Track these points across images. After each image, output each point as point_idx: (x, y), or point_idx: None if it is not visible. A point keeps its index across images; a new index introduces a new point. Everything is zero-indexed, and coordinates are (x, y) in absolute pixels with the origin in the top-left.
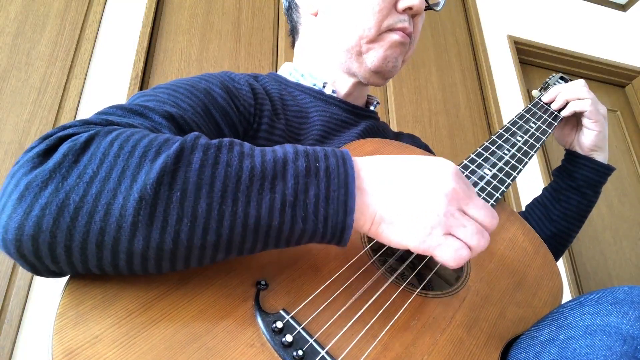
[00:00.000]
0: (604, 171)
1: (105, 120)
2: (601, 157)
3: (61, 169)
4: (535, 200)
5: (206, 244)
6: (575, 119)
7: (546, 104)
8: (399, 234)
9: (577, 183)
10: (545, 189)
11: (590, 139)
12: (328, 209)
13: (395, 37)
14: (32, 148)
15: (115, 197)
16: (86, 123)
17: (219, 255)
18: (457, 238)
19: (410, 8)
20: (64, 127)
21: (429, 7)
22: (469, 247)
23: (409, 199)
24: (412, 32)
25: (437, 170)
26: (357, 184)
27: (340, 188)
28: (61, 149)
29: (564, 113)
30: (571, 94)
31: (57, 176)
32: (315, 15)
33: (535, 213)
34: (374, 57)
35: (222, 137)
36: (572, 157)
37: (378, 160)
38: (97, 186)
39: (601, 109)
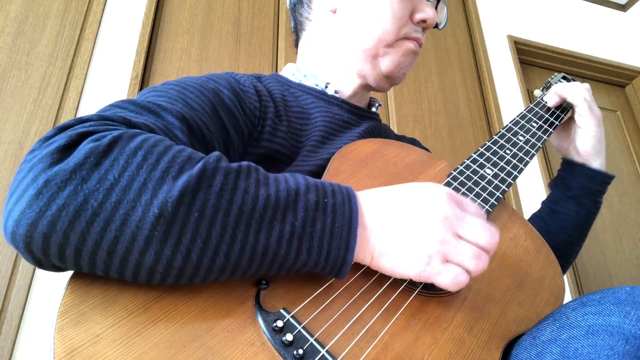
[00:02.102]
0: (601, 179)
1: (121, 118)
2: (597, 163)
3: (82, 171)
4: (534, 214)
5: (214, 266)
6: (573, 124)
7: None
8: (399, 265)
9: (573, 192)
10: (543, 202)
11: (585, 141)
12: (332, 243)
13: (410, 45)
14: (49, 139)
15: (134, 209)
16: (103, 118)
17: (222, 276)
18: (456, 264)
19: (424, 21)
20: (82, 120)
21: (434, 26)
22: (468, 271)
23: (405, 232)
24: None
25: (428, 198)
26: (360, 221)
27: (344, 225)
28: (83, 149)
29: (554, 98)
30: (569, 87)
31: (77, 177)
32: (334, 12)
33: (534, 227)
34: (389, 61)
35: (228, 138)
36: (568, 165)
37: (376, 195)
38: (117, 194)
39: (595, 110)
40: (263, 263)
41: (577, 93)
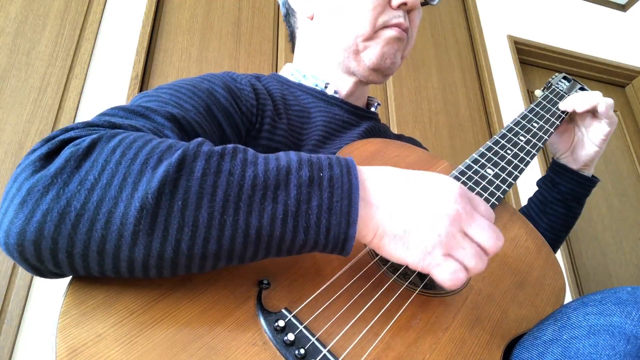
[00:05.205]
0: (589, 185)
1: (107, 122)
2: (589, 172)
3: (63, 175)
4: (521, 211)
5: (207, 253)
6: (576, 130)
7: (549, 103)
8: (400, 249)
9: (563, 196)
10: (531, 200)
11: (589, 155)
12: (330, 219)
13: (391, 33)
14: (34, 150)
15: (117, 205)
16: (89, 125)
17: (220, 264)
18: (456, 259)
19: (404, 4)
20: (67, 130)
21: (425, 3)
22: (466, 269)
23: (413, 216)
24: (409, 28)
25: (441, 189)
26: (361, 195)
27: (344, 199)
28: (63, 154)
29: (582, 107)
30: (603, 98)
31: (58, 182)
32: (312, 18)
33: None
34: (371, 54)
35: (225, 137)
36: (560, 169)
37: (383, 172)
38: (98, 193)
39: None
40: (259, 247)
41: (610, 113)
